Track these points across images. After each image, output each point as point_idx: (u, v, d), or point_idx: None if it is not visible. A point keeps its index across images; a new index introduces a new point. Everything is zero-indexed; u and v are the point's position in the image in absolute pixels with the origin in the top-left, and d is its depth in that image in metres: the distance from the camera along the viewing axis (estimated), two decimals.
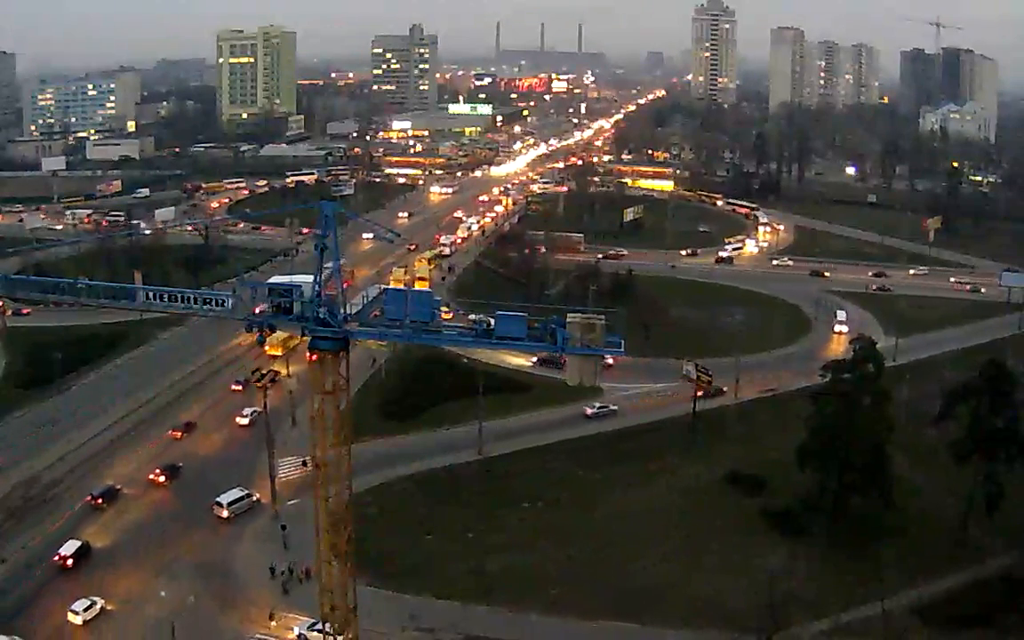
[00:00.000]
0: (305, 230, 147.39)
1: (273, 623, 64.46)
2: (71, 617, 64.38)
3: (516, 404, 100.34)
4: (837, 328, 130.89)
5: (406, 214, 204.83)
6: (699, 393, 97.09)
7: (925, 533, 75.90)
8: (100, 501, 79.53)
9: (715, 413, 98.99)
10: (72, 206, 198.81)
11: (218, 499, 78.99)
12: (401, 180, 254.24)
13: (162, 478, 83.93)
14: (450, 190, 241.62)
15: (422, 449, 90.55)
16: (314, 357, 47.70)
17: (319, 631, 55.43)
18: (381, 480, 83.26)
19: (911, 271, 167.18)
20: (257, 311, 48.90)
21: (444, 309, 72.80)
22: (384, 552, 70.19)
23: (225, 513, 78.22)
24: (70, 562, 70.70)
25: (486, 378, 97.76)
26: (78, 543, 72.52)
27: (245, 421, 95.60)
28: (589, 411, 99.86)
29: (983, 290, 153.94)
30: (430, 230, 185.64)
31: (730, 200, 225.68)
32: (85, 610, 64.58)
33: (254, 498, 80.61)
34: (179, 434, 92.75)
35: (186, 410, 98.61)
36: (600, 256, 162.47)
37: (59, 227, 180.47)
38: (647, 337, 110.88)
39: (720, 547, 75.13)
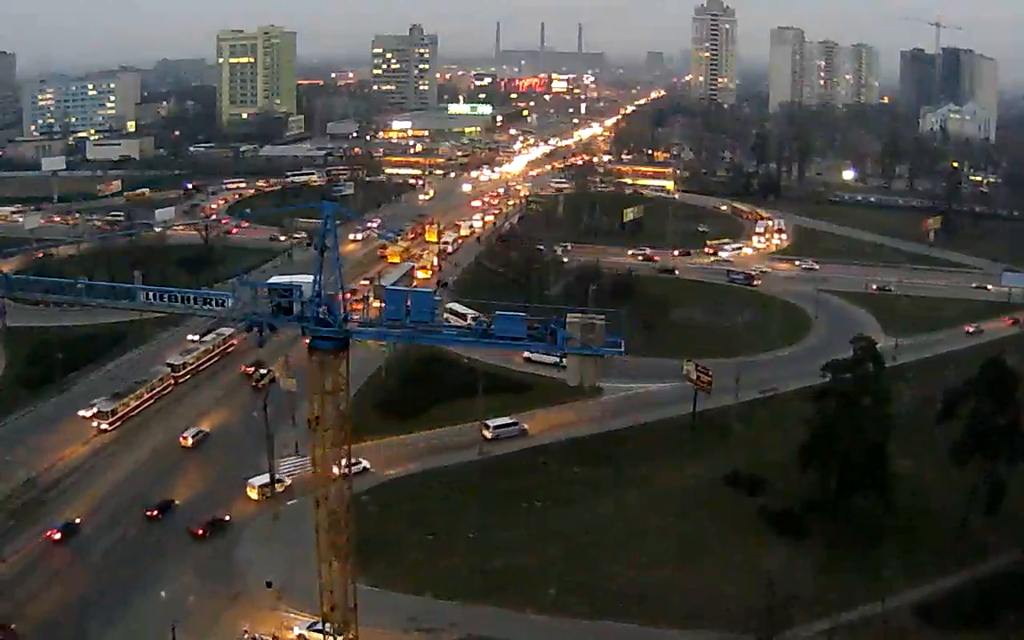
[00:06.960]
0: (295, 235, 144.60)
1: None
2: (249, 490, 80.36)
3: (516, 404, 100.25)
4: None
5: None
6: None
7: (926, 532, 75.83)
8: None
9: (715, 413, 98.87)
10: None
11: (487, 422, 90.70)
12: (422, 183, 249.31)
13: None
14: (360, 236, 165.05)
15: (422, 449, 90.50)
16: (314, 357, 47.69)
17: (319, 631, 55.43)
18: (381, 480, 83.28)
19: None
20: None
21: None
22: (384, 552, 70.15)
23: (490, 434, 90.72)
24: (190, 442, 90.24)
25: (486, 378, 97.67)
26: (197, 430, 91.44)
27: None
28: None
29: None
30: None
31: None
32: (261, 486, 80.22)
33: (523, 426, 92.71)
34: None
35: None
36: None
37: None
38: (647, 337, 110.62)
39: (720, 547, 75.05)
